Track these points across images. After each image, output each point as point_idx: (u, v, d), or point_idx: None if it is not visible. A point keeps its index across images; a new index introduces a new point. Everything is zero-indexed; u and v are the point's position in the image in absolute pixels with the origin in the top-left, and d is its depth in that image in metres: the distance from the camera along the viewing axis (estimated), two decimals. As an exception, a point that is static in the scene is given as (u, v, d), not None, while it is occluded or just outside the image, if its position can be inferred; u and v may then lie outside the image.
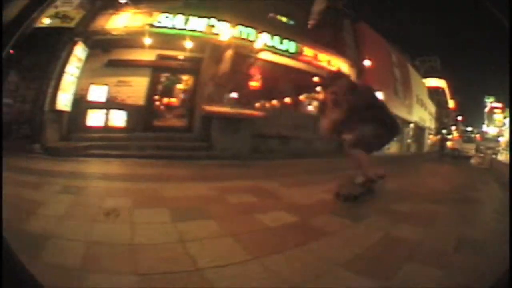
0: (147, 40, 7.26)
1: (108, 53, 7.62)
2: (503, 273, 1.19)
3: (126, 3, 7.47)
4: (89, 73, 7.44)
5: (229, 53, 7.53)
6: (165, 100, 7.91)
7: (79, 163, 5.33)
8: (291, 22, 9.14)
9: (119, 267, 1.59)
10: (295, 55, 8.13)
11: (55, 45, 7.09)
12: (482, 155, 13.67)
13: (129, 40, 7.47)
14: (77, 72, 7.17)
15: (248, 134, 6.76)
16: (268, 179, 4.12)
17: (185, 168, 5.02)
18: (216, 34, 7.34)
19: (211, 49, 7.52)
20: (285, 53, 7.98)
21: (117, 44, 7.54)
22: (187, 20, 7.27)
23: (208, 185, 3.46)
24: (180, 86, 8.05)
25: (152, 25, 7.23)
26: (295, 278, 1.53)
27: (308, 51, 8.30)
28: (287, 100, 9.36)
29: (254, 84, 8.25)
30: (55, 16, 6.99)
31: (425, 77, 23.57)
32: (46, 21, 6.86)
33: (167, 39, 7.43)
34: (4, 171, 3.87)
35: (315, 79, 8.49)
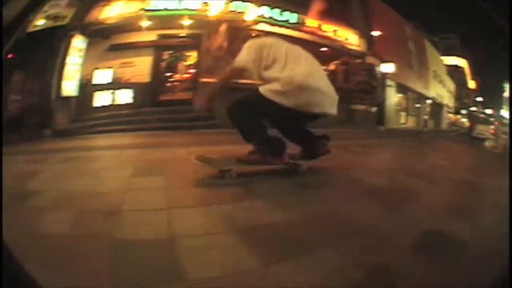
0: (144, 23, 7.52)
1: (109, 39, 7.83)
2: (503, 272, 1.16)
3: None
4: (92, 60, 7.75)
5: (223, 27, 7.97)
6: (171, 75, 8.14)
7: (85, 140, 5.98)
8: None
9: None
10: (297, 26, 8.19)
11: (52, 42, 7.53)
12: (496, 138, 13.40)
13: (127, 25, 7.72)
14: (79, 61, 7.52)
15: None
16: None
17: (184, 137, 5.41)
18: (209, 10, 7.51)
19: (208, 24, 7.44)
20: (284, 23, 8.05)
21: (116, 30, 7.74)
22: (180, 1, 7.56)
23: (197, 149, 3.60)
24: (183, 62, 8.20)
25: (146, 9, 7.58)
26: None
27: (310, 22, 8.30)
28: None
29: None
30: (46, 18, 7.28)
31: (445, 54, 23.65)
32: (39, 23, 7.31)
33: (164, 20, 7.69)
34: (19, 155, 4.19)
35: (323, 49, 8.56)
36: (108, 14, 7.62)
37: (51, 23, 7.49)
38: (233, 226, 1.71)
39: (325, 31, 8.63)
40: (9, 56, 8.36)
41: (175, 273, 1.28)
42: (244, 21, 7.54)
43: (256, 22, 7.61)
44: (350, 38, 9.22)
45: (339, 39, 8.88)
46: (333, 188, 2.49)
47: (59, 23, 7.48)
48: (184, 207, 2.00)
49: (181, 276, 1.26)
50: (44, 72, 7.87)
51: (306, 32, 8.26)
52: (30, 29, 7.45)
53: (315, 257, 1.38)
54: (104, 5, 7.62)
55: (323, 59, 8.80)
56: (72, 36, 7.43)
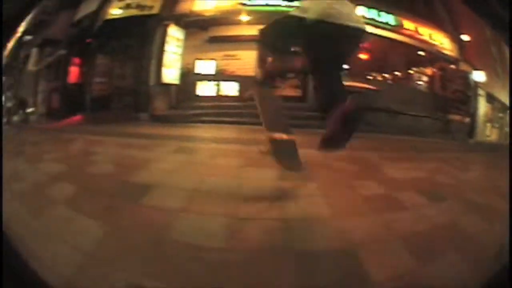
0: (244, 17, 7.57)
1: (206, 31, 7.88)
2: (501, 269, 1.19)
3: None
4: (192, 50, 7.78)
5: None
6: None
7: (191, 128, 6.11)
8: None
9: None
10: (396, 28, 8.06)
11: (142, 30, 7.69)
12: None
13: (225, 18, 7.66)
14: (178, 50, 7.55)
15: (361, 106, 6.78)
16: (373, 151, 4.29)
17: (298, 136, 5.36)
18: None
19: None
20: (385, 26, 7.88)
21: (213, 22, 7.71)
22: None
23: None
24: None
25: (243, 4, 7.59)
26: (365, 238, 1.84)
27: (408, 24, 8.12)
28: (397, 73, 9.12)
29: (363, 56, 8.15)
30: (126, 7, 7.52)
31: (519, 59, 22.79)
32: (116, 12, 7.65)
33: (265, 15, 7.43)
34: (113, 136, 4.51)
35: (421, 53, 8.41)
36: (202, 6, 7.67)
37: (135, 12, 7.61)
38: (394, 233, 1.89)
39: (422, 34, 8.44)
40: (88, 40, 8.56)
41: (360, 277, 1.41)
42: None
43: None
44: (443, 42, 8.92)
45: (434, 42, 8.65)
46: (448, 202, 2.69)
47: (146, 12, 7.56)
48: (349, 215, 2.13)
49: (366, 280, 1.39)
50: (138, 58, 7.93)
51: (405, 35, 8.17)
52: (108, 17, 7.80)
53: (448, 261, 1.60)
54: (194, -4, 7.40)
55: (421, 63, 9.14)
56: (166, 25, 7.50)
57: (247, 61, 7.79)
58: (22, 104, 10.95)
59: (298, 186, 2.58)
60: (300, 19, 2.43)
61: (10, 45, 12.85)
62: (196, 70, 8.02)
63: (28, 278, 1.14)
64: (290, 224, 1.92)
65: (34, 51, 11.71)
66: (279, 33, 2.56)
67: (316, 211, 2.15)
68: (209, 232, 1.69)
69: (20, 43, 12.97)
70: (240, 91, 7.60)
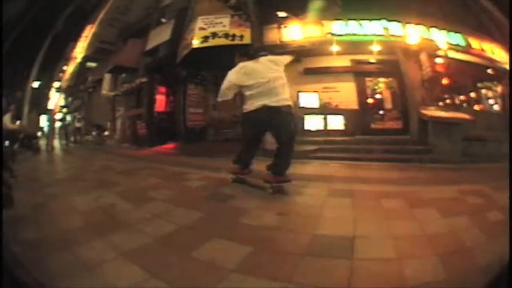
0: (335, 47, 7.75)
1: (300, 63, 7.98)
2: (502, 270, 1.25)
3: (286, 17, 7.87)
4: (291, 82, 8.29)
5: (424, 55, 7.70)
6: (378, 103, 8.18)
7: (315, 165, 5.68)
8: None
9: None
10: (466, 48, 8.28)
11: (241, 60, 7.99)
12: None
13: (316, 49, 7.87)
14: None
15: (460, 138, 6.84)
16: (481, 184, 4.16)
17: (419, 172, 5.16)
18: (398, 36, 7.64)
19: (402, 51, 7.70)
20: (458, 47, 8.11)
21: (305, 53, 7.87)
22: (360, 25, 7.63)
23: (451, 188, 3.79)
24: (386, 89, 8.24)
25: (332, 34, 7.65)
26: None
27: (474, 43, 8.38)
28: (472, 95, 9.23)
29: (444, 81, 8.42)
30: (213, 36, 7.85)
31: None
32: (201, 41, 7.84)
33: (354, 45, 7.81)
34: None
35: (489, 71, 8.61)
36: (289, 37, 7.81)
37: (224, 41, 7.72)
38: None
39: (486, 51, 8.65)
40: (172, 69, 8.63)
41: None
42: (435, 47, 7.72)
43: (448, 48, 7.81)
44: (503, 55, 9.03)
45: (497, 58, 8.83)
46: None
47: (237, 42, 7.64)
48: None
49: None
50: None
51: (474, 54, 8.38)
52: (193, 46, 7.92)
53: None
54: (279, 27, 7.83)
55: (490, 81, 9.49)
56: (264, 56, 7.63)
57: (346, 93, 8.13)
58: (97, 127, 11.33)
59: (457, 222, 2.56)
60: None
61: (70, 69, 13.03)
62: (301, 104, 8.06)
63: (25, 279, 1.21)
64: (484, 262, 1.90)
65: (107, 77, 11.93)
66: None
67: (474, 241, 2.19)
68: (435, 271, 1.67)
69: (81, 68, 13.05)
70: (346, 125, 7.81)
